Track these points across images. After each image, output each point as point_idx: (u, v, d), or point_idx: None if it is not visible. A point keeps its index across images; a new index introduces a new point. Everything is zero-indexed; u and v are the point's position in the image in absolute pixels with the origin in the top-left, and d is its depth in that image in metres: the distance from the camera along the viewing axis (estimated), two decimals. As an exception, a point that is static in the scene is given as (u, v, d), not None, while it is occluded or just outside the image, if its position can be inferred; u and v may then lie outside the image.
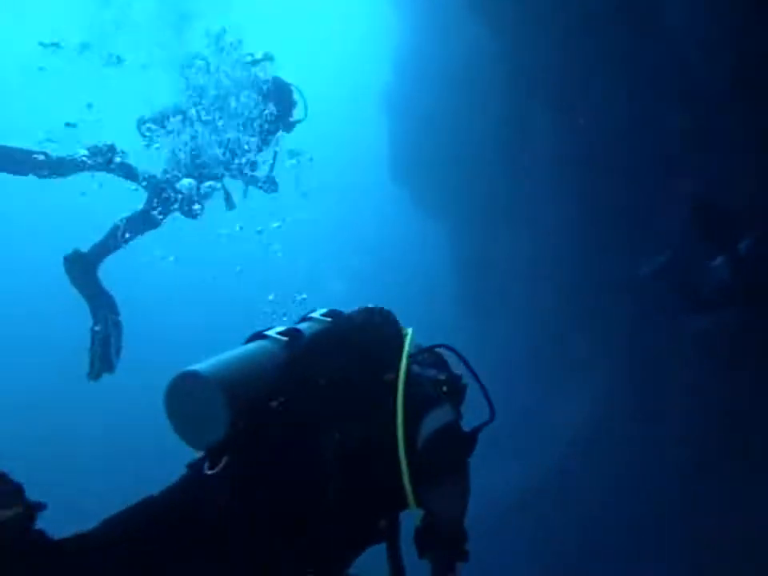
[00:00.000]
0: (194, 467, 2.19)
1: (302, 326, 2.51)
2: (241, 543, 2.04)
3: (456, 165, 10.85)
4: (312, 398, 2.24)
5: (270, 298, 5.91)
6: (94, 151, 5.41)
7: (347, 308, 2.69)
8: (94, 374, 5.40)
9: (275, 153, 6.02)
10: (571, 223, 8.85)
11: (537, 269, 9.63)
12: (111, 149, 5.45)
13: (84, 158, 5.37)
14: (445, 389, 2.43)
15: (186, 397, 2.13)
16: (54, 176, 5.36)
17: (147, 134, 5.70)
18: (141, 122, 5.73)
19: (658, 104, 7.01)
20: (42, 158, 5.21)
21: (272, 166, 6.04)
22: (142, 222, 5.63)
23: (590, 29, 7.26)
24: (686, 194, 6.88)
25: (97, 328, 5.38)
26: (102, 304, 5.42)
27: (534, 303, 9.79)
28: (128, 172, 5.57)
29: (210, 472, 2.10)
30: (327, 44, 16.58)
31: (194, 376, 2.13)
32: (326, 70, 15.70)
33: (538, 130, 9.18)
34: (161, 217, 5.66)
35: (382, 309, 2.60)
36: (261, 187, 6.05)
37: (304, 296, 5.95)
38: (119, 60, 6.10)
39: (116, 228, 5.51)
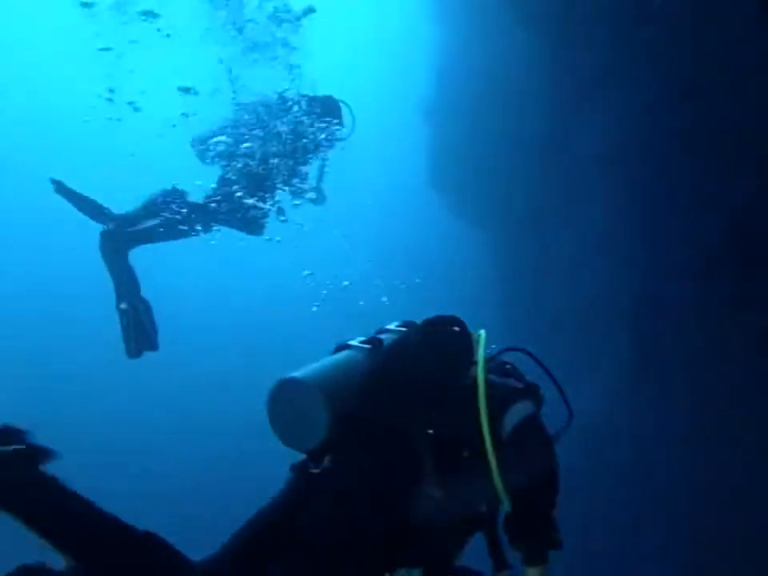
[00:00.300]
0: (298, 468, 2.36)
1: (382, 336, 2.66)
2: (347, 538, 2.17)
3: (497, 169, 10.77)
4: (398, 400, 2.37)
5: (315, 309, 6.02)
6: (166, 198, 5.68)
7: (389, 317, 2.85)
8: (132, 351, 5.52)
9: (323, 165, 6.15)
10: (618, 223, 8.74)
11: (582, 270, 9.49)
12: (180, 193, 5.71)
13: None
14: (522, 389, 2.53)
15: (287, 402, 2.28)
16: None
17: (202, 152, 5.90)
18: (195, 141, 5.91)
19: (712, 101, 6.83)
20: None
21: (320, 178, 6.16)
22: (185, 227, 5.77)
23: (639, 26, 7.13)
24: (741, 193, 6.72)
25: (123, 306, 5.51)
26: (125, 282, 5.54)
27: (576, 305, 9.65)
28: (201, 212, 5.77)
29: (315, 471, 2.27)
30: (365, 49, 16.63)
31: (295, 382, 2.28)
32: (364, 75, 15.75)
33: (583, 131, 9.07)
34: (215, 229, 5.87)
35: (452, 316, 2.73)
36: (310, 199, 6.17)
37: (346, 282, 6.20)
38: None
39: (163, 221, 5.68)
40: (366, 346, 2.55)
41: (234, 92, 6.00)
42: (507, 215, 11.25)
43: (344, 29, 16.85)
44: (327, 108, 6.11)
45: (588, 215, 9.34)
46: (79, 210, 5.62)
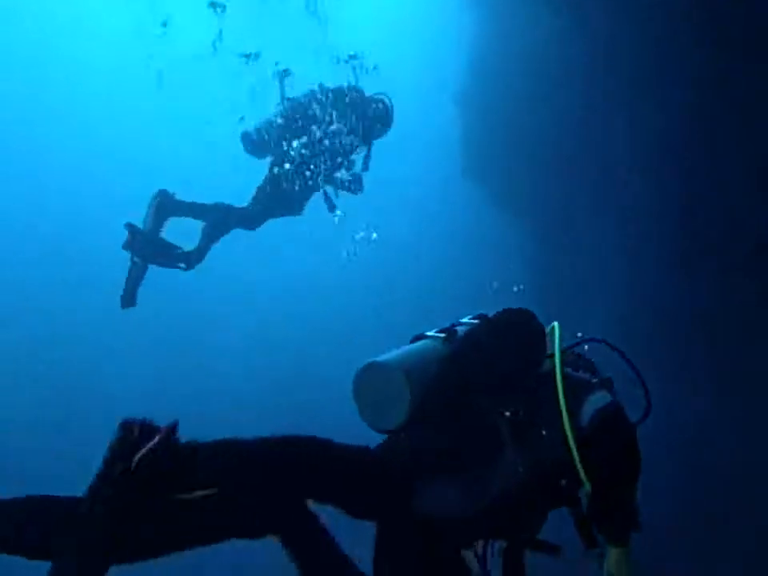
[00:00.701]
0: (381, 447, 2.58)
1: (456, 327, 2.82)
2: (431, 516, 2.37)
3: (531, 159, 10.70)
4: (473, 385, 2.55)
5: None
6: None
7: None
8: (125, 302, 5.87)
9: (367, 155, 6.32)
10: (651, 215, 8.65)
11: (622, 262, 9.42)
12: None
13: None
14: (598, 381, 2.67)
15: (372, 384, 2.47)
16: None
17: (251, 147, 6.16)
18: (245, 136, 6.13)
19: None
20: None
21: (364, 164, 6.34)
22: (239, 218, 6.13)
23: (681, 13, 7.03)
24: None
25: (136, 259, 5.79)
26: (151, 242, 5.81)
27: (615, 300, 9.58)
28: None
29: (398, 448, 2.50)
30: (398, 38, 16.59)
31: (380, 366, 2.48)
32: (397, 64, 15.75)
33: (618, 121, 8.98)
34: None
35: (523, 309, 2.85)
36: (347, 188, 6.34)
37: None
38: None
39: (214, 206, 6.06)
40: (441, 335, 2.73)
41: (282, 87, 6.20)
42: (541, 205, 11.18)
43: (378, 16, 16.84)
44: (379, 110, 6.31)
45: (621, 204, 9.27)
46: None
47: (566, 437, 2.42)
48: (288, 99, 6.19)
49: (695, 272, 8.06)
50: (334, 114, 6.07)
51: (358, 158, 6.37)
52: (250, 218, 6.16)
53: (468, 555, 2.51)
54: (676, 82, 7.68)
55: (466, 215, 14.61)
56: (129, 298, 5.89)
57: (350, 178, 6.26)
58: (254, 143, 6.13)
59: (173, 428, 2.15)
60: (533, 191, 11.10)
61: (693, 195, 7.91)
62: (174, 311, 15.78)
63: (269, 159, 6.19)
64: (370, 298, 16.01)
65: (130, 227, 5.77)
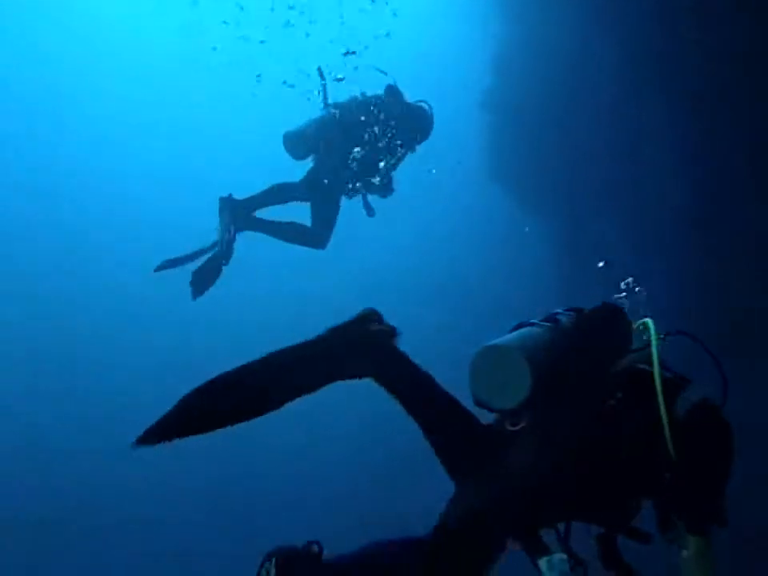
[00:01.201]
0: (493, 427, 2.76)
1: (557, 317, 2.98)
2: (552, 491, 2.57)
3: (561, 160, 10.64)
4: (577, 372, 2.74)
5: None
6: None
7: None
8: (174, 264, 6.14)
9: (398, 160, 6.42)
10: (683, 217, 8.56)
11: (649, 263, 9.34)
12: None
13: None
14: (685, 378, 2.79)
15: (490, 367, 2.64)
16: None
17: (294, 148, 6.34)
18: (286, 138, 6.31)
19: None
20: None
21: (392, 168, 6.43)
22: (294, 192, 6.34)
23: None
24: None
25: (216, 249, 6.05)
26: (223, 241, 6.05)
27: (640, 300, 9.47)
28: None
29: (512, 428, 2.67)
30: (422, 38, 16.60)
31: (498, 348, 2.66)
32: (420, 66, 15.79)
33: (653, 119, 8.90)
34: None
35: (614, 305, 3.09)
36: (378, 192, 6.46)
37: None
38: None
39: (272, 188, 6.29)
40: (547, 324, 2.90)
41: (321, 92, 6.38)
42: (568, 207, 11.12)
43: (403, 13, 16.84)
44: (419, 120, 6.47)
45: (651, 205, 9.19)
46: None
47: (660, 425, 2.55)
48: (331, 104, 6.36)
49: (728, 276, 7.98)
50: (378, 120, 6.23)
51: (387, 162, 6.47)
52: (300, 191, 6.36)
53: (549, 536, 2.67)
54: (708, 83, 7.60)
55: (493, 218, 14.57)
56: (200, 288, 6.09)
57: (382, 182, 6.40)
58: (295, 144, 6.32)
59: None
60: (560, 193, 11.05)
61: (729, 198, 7.83)
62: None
63: (309, 161, 6.40)
64: (400, 300, 15.99)
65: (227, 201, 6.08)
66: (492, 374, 2.64)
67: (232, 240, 6.12)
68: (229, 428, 2.53)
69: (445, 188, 15.95)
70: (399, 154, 6.40)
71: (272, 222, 6.36)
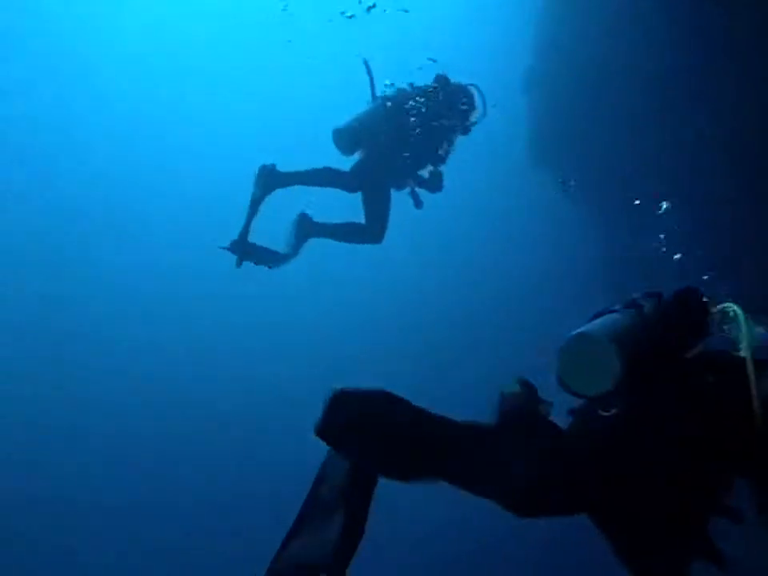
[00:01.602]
0: (581, 413, 2.89)
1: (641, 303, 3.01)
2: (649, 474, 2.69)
3: (604, 146, 10.46)
4: (663, 356, 2.83)
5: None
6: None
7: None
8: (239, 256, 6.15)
9: (447, 152, 6.39)
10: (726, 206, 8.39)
11: (690, 255, 9.15)
12: None
13: None
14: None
15: (579, 354, 2.71)
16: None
17: (343, 143, 6.34)
18: (336, 133, 6.31)
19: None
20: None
21: (442, 161, 6.39)
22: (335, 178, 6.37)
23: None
24: None
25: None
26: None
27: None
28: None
29: (606, 413, 2.76)
30: (464, 24, 16.47)
31: (587, 336, 2.73)
32: (462, 48, 15.68)
33: (694, 108, 8.70)
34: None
35: (695, 289, 3.08)
36: (427, 186, 6.43)
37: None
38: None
39: (318, 170, 6.33)
40: (630, 310, 2.94)
41: (372, 85, 6.34)
42: (611, 193, 10.92)
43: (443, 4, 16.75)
44: (461, 98, 6.39)
45: (695, 192, 8.99)
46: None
47: (751, 405, 2.58)
48: (379, 97, 6.34)
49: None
50: (428, 111, 6.22)
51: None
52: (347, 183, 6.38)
53: None
54: (762, 75, 7.37)
55: (535, 205, 14.42)
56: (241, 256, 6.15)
57: (431, 176, 6.39)
58: (344, 140, 6.30)
59: None
60: (605, 178, 10.89)
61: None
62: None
63: (357, 156, 6.40)
64: (447, 290, 15.98)
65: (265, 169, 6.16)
66: (581, 362, 2.71)
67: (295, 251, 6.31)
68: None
69: (486, 174, 15.89)
70: (448, 147, 6.37)
71: (331, 225, 6.43)
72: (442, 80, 6.40)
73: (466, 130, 6.45)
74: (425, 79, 6.50)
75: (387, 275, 16.62)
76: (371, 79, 6.35)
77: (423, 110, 6.20)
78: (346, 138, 6.29)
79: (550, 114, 12.10)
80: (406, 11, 10.28)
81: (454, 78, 6.47)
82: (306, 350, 16.05)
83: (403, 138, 6.17)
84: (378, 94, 6.37)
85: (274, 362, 15.97)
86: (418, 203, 6.46)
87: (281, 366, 15.86)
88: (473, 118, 6.45)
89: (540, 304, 13.91)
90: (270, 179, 6.18)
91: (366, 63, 6.36)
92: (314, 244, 6.54)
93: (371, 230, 6.41)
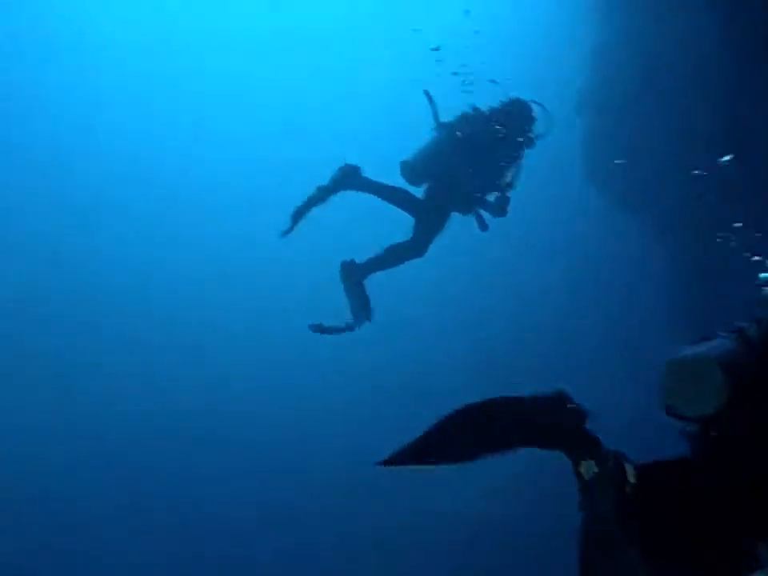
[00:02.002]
0: (697, 434, 2.90)
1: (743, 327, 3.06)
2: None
3: (663, 159, 10.30)
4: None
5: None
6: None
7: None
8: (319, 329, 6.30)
9: (515, 176, 6.36)
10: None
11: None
12: None
13: None
14: None
15: (685, 376, 2.78)
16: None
17: (411, 175, 6.42)
18: (403, 167, 6.38)
19: None
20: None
21: (509, 187, 6.37)
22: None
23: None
24: None
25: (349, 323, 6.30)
26: (358, 306, 6.30)
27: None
28: None
29: (714, 434, 2.82)
30: (515, 34, 16.46)
31: (692, 359, 2.80)
32: (515, 64, 15.73)
33: (752, 119, 8.52)
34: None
35: None
36: (491, 210, 6.43)
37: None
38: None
39: (391, 188, 6.36)
40: (733, 334, 2.99)
41: (435, 113, 6.35)
42: (669, 208, 10.75)
43: (498, 17, 16.72)
44: (520, 114, 6.34)
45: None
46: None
47: None
48: (443, 124, 6.35)
49: None
50: (494, 135, 6.20)
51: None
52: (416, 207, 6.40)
53: None
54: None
55: (590, 221, 14.25)
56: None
57: (497, 201, 6.38)
58: (413, 172, 6.37)
59: None
60: (664, 193, 10.72)
61: None
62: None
63: (425, 187, 6.44)
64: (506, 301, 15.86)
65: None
66: (686, 384, 2.79)
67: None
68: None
69: (540, 189, 15.77)
70: (516, 171, 6.35)
71: (375, 260, 6.44)
72: (507, 103, 6.37)
73: (530, 143, 6.37)
74: (484, 100, 6.49)
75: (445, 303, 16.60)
76: (434, 108, 6.36)
77: (489, 134, 6.17)
78: (414, 171, 6.36)
79: (605, 130, 12.02)
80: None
81: (514, 95, 6.41)
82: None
83: (471, 166, 6.18)
84: (441, 120, 6.38)
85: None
86: (483, 227, 6.45)
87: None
88: (537, 132, 6.37)
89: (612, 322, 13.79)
90: (349, 178, 6.30)
91: (427, 93, 6.37)
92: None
93: (416, 245, 6.43)
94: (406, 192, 6.43)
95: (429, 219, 6.35)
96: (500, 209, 6.38)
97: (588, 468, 2.84)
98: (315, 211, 6.38)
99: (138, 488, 14.59)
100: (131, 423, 15.28)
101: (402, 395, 14.89)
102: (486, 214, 6.46)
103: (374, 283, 6.34)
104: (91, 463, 14.72)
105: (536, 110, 6.37)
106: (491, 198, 6.40)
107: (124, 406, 15.44)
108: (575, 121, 13.23)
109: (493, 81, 6.57)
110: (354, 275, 6.35)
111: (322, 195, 6.31)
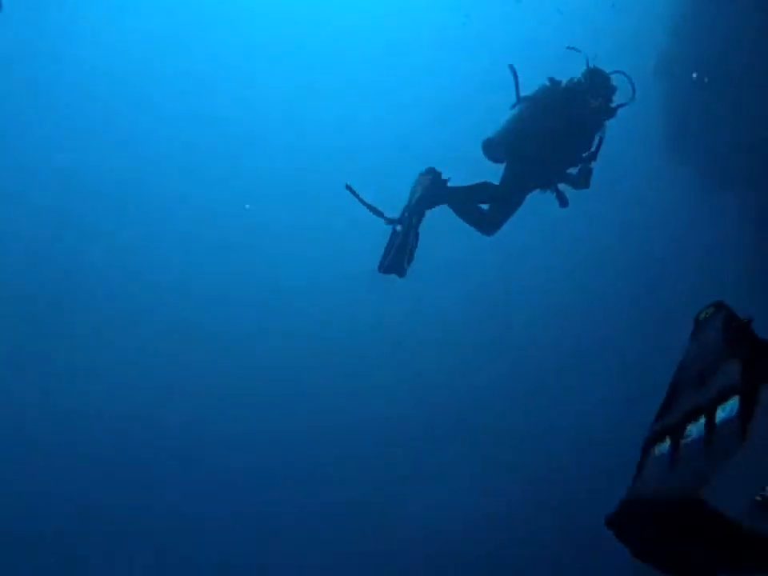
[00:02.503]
0: None
1: None
2: None
3: (750, 131, 9.85)
4: None
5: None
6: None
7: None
8: (383, 267, 5.92)
9: (599, 143, 6.16)
10: None
11: None
12: None
13: None
14: None
15: None
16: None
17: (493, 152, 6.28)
18: (485, 144, 6.25)
19: None
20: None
21: (593, 157, 6.15)
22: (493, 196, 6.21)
23: None
24: None
25: (398, 227, 5.91)
26: (414, 213, 5.95)
27: None
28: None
29: None
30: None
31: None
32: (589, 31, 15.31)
33: None
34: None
35: None
36: (574, 183, 6.22)
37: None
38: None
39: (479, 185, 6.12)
40: None
41: (516, 88, 6.18)
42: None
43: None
44: (605, 85, 6.13)
45: None
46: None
47: None
48: (523, 98, 6.18)
49: None
50: (574, 103, 6.02)
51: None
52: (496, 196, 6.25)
53: None
54: None
55: (672, 196, 13.79)
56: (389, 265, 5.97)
57: (580, 173, 6.12)
58: (497, 149, 6.25)
59: None
60: (752, 166, 10.28)
61: None
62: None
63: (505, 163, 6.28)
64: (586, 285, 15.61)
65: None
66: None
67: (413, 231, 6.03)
68: None
69: (621, 165, 15.31)
70: (599, 142, 6.11)
71: (460, 191, 6.18)
72: (588, 74, 6.13)
73: (611, 113, 6.14)
74: (564, 71, 6.28)
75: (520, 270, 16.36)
76: (516, 82, 6.19)
77: (569, 105, 5.98)
78: (498, 148, 6.22)
79: (687, 99, 11.62)
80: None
81: (593, 65, 6.15)
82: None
83: (553, 139, 5.97)
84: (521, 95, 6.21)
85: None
86: (563, 202, 6.25)
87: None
88: (617, 102, 6.14)
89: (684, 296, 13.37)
90: (434, 187, 6.04)
91: (512, 67, 6.20)
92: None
93: (492, 222, 6.28)
94: (487, 184, 6.20)
95: (507, 198, 6.21)
96: (584, 181, 6.15)
97: None
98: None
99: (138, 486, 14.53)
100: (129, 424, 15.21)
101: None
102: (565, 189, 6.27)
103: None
104: (90, 463, 14.57)
105: (615, 79, 6.12)
106: (573, 170, 6.18)
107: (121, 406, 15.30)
108: (653, 87, 12.78)
109: (572, 48, 6.19)
110: (432, 189, 6.06)
111: (420, 206, 6.00)
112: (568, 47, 6.21)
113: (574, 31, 12.20)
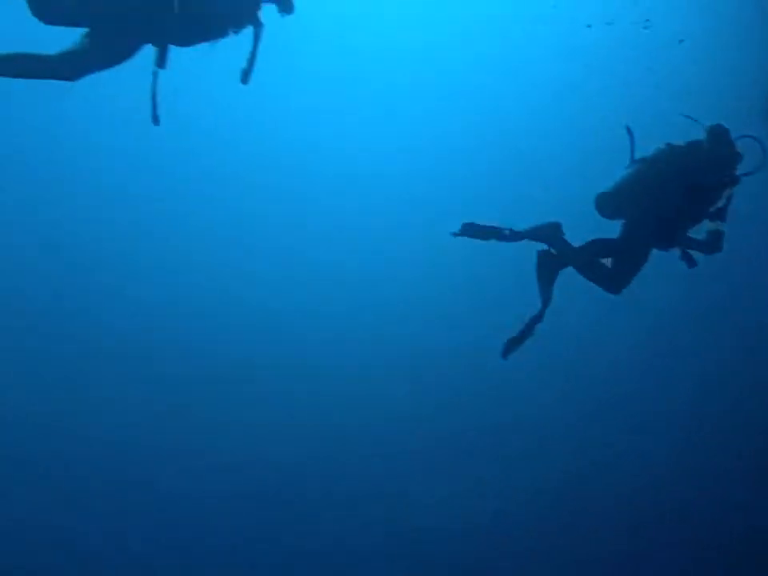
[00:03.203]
0: None
1: None
2: None
3: None
4: None
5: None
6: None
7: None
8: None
9: (725, 208, 6.18)
10: None
11: None
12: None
13: None
14: None
15: None
16: None
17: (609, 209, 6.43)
18: (598, 199, 6.42)
19: None
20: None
21: (721, 220, 6.21)
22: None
23: None
24: None
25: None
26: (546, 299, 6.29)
27: None
28: None
29: None
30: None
31: None
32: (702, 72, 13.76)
33: None
34: None
35: None
36: (701, 248, 6.31)
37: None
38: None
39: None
40: None
41: (632, 147, 6.46)
42: None
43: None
44: (729, 150, 6.20)
45: None
46: None
47: None
48: (638, 159, 6.42)
49: None
50: (691, 167, 6.17)
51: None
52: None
53: None
54: None
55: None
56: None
57: (708, 235, 6.27)
58: (610, 205, 6.45)
59: None
60: None
61: None
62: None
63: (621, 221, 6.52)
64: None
65: None
66: None
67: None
68: None
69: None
70: (726, 202, 6.21)
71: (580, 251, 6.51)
72: (712, 134, 6.24)
73: (735, 181, 6.23)
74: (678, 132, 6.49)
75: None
76: (632, 143, 6.47)
77: (686, 167, 6.14)
78: (610, 204, 6.41)
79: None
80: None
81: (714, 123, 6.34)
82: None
83: (666, 200, 6.20)
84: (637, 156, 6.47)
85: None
86: (690, 264, 6.35)
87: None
88: (743, 170, 6.21)
89: None
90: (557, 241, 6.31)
91: (628, 129, 6.51)
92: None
93: (617, 280, 6.37)
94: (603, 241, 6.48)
95: (630, 257, 6.36)
96: (714, 245, 6.27)
97: None
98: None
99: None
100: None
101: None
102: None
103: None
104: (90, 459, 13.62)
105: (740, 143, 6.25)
106: (699, 235, 6.38)
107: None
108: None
109: (687, 116, 6.42)
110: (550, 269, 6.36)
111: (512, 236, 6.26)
112: (685, 115, 6.35)
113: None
